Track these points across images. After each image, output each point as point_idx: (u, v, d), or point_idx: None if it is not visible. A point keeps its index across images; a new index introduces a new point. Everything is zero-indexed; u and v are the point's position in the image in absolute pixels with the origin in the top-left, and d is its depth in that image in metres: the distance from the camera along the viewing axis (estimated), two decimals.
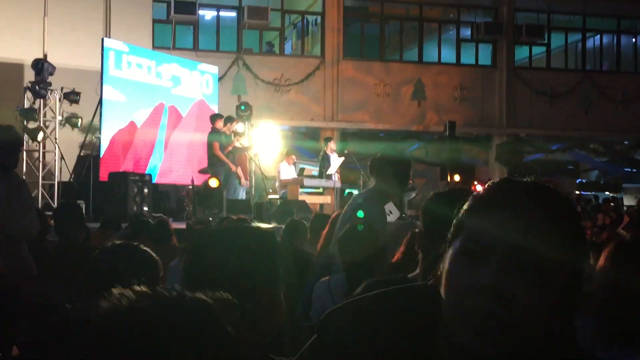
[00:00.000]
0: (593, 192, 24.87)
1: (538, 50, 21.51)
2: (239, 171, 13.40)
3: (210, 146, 12.68)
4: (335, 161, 14.63)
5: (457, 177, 17.96)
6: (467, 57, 20.89)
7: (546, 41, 20.93)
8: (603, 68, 21.98)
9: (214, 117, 13.10)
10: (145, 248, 2.59)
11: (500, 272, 1.05)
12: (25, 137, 12.22)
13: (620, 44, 21.93)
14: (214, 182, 11.95)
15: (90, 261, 2.56)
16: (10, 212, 4.62)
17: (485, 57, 20.99)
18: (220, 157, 12.63)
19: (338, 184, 14.40)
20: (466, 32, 21.03)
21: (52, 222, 6.02)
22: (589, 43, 22.07)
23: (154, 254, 2.57)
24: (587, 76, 21.08)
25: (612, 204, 22.18)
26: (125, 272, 2.40)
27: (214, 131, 12.81)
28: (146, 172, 13.54)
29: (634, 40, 22.48)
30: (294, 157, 15.25)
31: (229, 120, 13.35)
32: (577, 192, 25.01)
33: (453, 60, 20.79)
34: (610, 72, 21.78)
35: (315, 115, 19.11)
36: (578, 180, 25.91)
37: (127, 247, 2.60)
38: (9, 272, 4.65)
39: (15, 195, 4.70)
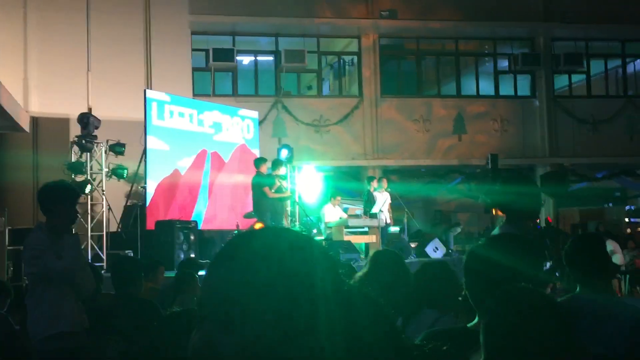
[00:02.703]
0: None
1: (578, 78, 21.34)
2: (283, 214, 13.45)
3: (257, 190, 12.71)
4: (380, 199, 14.62)
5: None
6: (506, 89, 20.81)
7: (585, 69, 20.76)
8: None
9: (259, 161, 13.10)
10: None
11: None
12: None
13: None
14: (259, 227, 11.99)
15: (158, 323, 2.59)
16: (79, 270, 4.71)
17: (524, 88, 20.89)
18: (273, 196, 12.59)
19: (383, 223, 14.36)
20: (504, 64, 20.98)
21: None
22: (629, 68, 21.83)
23: None
24: (629, 101, 20.82)
25: None
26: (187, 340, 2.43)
27: (259, 175, 12.85)
28: (192, 218, 13.68)
29: None
30: (339, 198, 15.26)
31: (275, 164, 13.36)
32: (627, 220, 24.55)
33: (492, 92, 20.72)
34: None
35: (356, 154, 19.16)
36: (627, 207, 25.43)
37: (188, 315, 2.62)
38: (81, 332, 4.72)
39: (77, 251, 4.79)
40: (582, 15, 20.22)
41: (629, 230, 22.43)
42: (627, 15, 20.34)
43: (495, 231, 4.70)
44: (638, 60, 21.86)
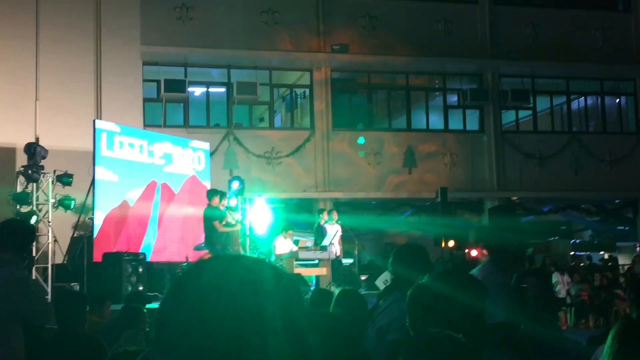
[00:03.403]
0: (587, 252, 24.89)
1: (525, 113, 21.81)
2: (235, 246, 13.37)
3: (207, 222, 12.64)
4: (331, 232, 14.63)
5: (451, 243, 17.99)
6: (455, 123, 21.14)
7: (532, 105, 21.25)
8: (589, 129, 22.27)
9: (210, 194, 13.07)
10: None
11: None
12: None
13: (604, 105, 22.27)
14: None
15: None
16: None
17: (472, 122, 21.25)
18: (222, 230, 12.56)
19: (334, 255, 14.36)
20: (453, 99, 21.34)
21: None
22: (574, 105, 22.41)
23: None
24: (574, 137, 21.33)
25: (609, 263, 22.14)
26: None
27: (210, 207, 12.79)
28: (140, 250, 13.50)
29: (617, 101, 22.86)
30: (290, 232, 15.23)
31: (222, 195, 13.36)
32: (572, 253, 25.03)
33: (441, 126, 21.03)
34: (596, 132, 22.05)
35: (307, 186, 19.19)
36: (572, 241, 25.93)
37: (137, 353, 2.58)
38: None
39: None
40: (529, 52, 20.76)
41: (573, 264, 22.85)
42: (572, 53, 20.94)
43: (475, 271, 4.69)
44: (582, 97, 22.47)
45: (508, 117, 21.81)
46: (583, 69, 21.31)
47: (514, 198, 20.96)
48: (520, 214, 20.50)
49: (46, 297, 5.07)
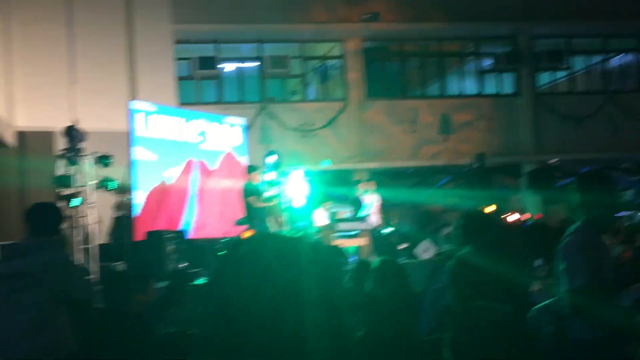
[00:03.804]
0: (630, 212, 24.53)
1: (560, 74, 21.48)
2: (274, 221, 13.48)
3: (246, 197, 12.75)
4: (369, 202, 14.66)
5: (490, 208, 17.88)
6: (490, 88, 20.93)
7: (567, 65, 20.90)
8: (627, 87, 21.85)
9: (250, 169, 13.18)
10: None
11: None
12: (61, 203, 12.45)
13: None
14: (248, 234, 12.02)
15: (152, 343, 2.61)
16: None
17: (507, 86, 21.01)
18: (260, 205, 12.67)
19: (372, 225, 14.40)
20: (487, 63, 21.09)
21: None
22: (611, 64, 21.99)
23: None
24: (611, 97, 20.97)
25: None
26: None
27: (249, 182, 12.90)
28: (180, 228, 13.69)
29: None
30: (329, 204, 15.30)
31: (260, 170, 13.44)
32: None
33: (476, 91, 20.83)
34: (634, 91, 21.64)
35: (343, 157, 19.20)
36: None
37: (182, 338, 2.64)
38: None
39: None
40: (563, 12, 20.36)
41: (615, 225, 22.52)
42: (608, 10, 20.48)
43: (571, 232, 4.46)
44: (619, 55, 22.02)
45: (544, 79, 21.50)
46: (619, 26, 20.86)
47: (552, 161, 20.73)
48: (558, 177, 20.29)
49: (87, 277, 5.36)
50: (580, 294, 3.39)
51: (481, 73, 20.89)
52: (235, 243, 1.23)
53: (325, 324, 1.13)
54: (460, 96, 20.66)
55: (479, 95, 20.73)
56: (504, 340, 1.92)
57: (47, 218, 4.99)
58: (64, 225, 12.59)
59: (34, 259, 4.76)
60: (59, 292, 4.77)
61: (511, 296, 2.28)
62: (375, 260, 6.20)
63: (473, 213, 4.47)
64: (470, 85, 20.91)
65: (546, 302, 3.93)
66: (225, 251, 1.26)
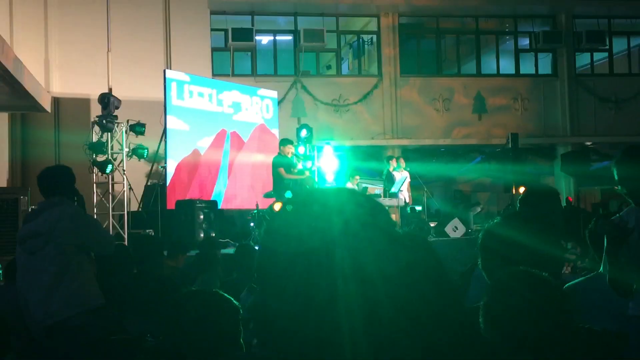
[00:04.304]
0: None
1: (600, 56, 21.09)
2: None
3: (275, 170, 12.76)
4: (399, 179, 14.60)
5: (522, 189, 17.72)
6: (527, 67, 20.63)
7: (608, 46, 20.52)
8: None
9: (282, 142, 13.13)
10: (226, 296, 2.63)
11: None
12: (95, 169, 12.60)
13: None
14: (278, 206, 12.03)
15: (172, 303, 2.62)
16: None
17: (545, 66, 20.69)
18: (289, 177, 12.66)
19: (403, 202, 14.35)
20: (524, 42, 20.78)
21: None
22: None
23: (234, 301, 2.62)
24: None
25: None
26: (206, 319, 2.48)
27: (279, 155, 12.89)
28: (212, 198, 13.77)
29: None
30: (357, 177, 15.29)
31: (293, 144, 13.39)
32: None
33: (512, 71, 20.55)
34: None
35: (376, 134, 19.12)
36: None
37: (209, 295, 2.65)
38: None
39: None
40: None
41: None
42: None
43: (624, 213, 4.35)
44: None
45: (582, 60, 21.13)
46: None
47: (588, 143, 20.44)
48: (594, 160, 20.03)
49: (103, 231, 5.43)
50: None
51: (518, 52, 20.59)
52: (273, 213, 1.31)
53: (357, 298, 1.13)
54: (496, 75, 20.40)
55: (515, 75, 20.46)
56: (545, 305, 1.88)
57: (57, 179, 5.09)
58: (98, 191, 12.79)
59: (44, 218, 4.86)
60: (72, 245, 4.86)
61: (542, 270, 2.23)
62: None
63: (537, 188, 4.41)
64: (506, 65, 20.62)
65: (579, 279, 3.88)
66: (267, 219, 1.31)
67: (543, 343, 1.89)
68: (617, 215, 3.94)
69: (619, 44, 21.03)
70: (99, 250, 5.10)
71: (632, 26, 21.20)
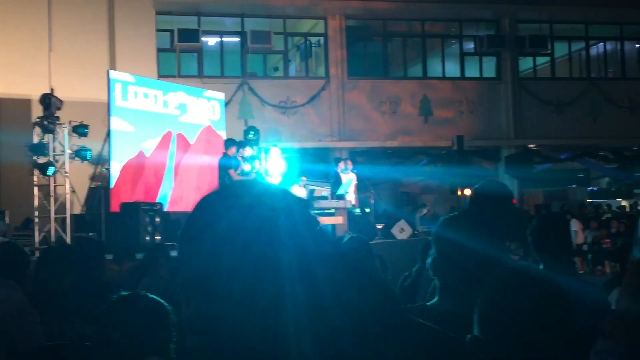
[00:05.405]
0: (605, 200, 24.77)
1: (542, 60, 21.53)
2: None
3: (222, 171, 12.68)
4: (346, 181, 14.63)
5: (467, 191, 17.96)
6: (472, 71, 20.93)
7: (550, 51, 20.95)
8: (608, 75, 21.96)
9: (228, 143, 13.08)
10: (156, 299, 2.60)
11: None
12: (36, 171, 12.31)
13: (624, 50, 21.92)
14: None
15: (106, 307, 2.58)
16: None
17: (489, 70, 21.02)
18: (237, 179, 12.60)
19: (349, 204, 14.38)
20: (469, 46, 21.08)
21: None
22: (593, 51, 22.08)
23: (165, 304, 2.58)
24: (592, 84, 21.06)
25: (626, 210, 22.02)
26: (136, 323, 2.44)
27: (225, 156, 12.81)
28: (157, 200, 13.57)
29: (637, 45, 22.47)
30: (304, 179, 15.27)
31: (239, 145, 13.38)
32: (589, 200, 24.94)
33: (457, 74, 20.82)
34: (615, 78, 21.75)
35: (323, 136, 19.14)
36: (589, 189, 25.80)
37: (138, 298, 2.62)
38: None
39: None
40: None
41: (590, 211, 22.75)
42: None
43: None
44: (601, 43, 22.10)
45: (525, 63, 21.54)
46: (602, 13, 20.91)
47: (531, 146, 20.83)
48: (536, 162, 20.42)
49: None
50: None
51: (463, 55, 20.87)
52: (213, 212, 1.24)
53: (304, 299, 1.12)
54: (441, 78, 20.64)
55: (460, 78, 20.73)
56: (545, 305, 1.87)
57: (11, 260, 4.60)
58: (39, 194, 12.49)
59: None
60: None
61: (480, 270, 2.22)
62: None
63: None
64: (452, 68, 20.89)
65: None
66: (200, 218, 1.26)
67: (543, 343, 1.89)
68: None
69: (560, 49, 21.49)
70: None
71: (573, 31, 21.68)
